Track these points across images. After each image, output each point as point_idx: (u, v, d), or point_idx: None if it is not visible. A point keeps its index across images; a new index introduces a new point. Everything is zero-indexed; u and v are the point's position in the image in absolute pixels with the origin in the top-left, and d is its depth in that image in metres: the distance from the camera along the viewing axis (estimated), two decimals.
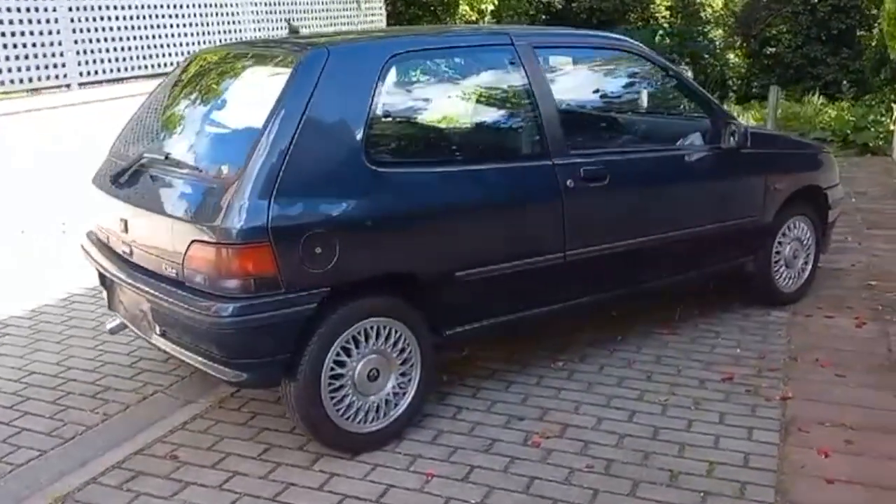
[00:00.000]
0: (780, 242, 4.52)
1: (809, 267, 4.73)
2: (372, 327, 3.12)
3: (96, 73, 7.29)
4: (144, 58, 7.79)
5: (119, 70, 7.52)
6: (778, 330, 4.33)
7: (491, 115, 3.77)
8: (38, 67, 6.70)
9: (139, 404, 3.62)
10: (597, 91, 4.27)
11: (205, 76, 3.70)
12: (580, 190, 3.55)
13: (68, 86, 7.03)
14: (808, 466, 3.01)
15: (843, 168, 8.02)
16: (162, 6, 7.96)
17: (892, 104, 10.86)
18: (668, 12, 20.50)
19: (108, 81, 7.42)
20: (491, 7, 15.86)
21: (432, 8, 14.96)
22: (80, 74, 7.12)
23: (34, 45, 6.66)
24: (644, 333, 4.28)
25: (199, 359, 3.04)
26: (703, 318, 4.48)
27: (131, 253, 3.36)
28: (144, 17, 7.76)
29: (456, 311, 3.38)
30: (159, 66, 7.85)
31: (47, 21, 6.77)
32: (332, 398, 3.06)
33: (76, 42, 7.07)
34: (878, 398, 3.54)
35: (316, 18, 10.19)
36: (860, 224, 6.43)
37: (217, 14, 8.65)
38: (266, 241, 2.82)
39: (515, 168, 3.53)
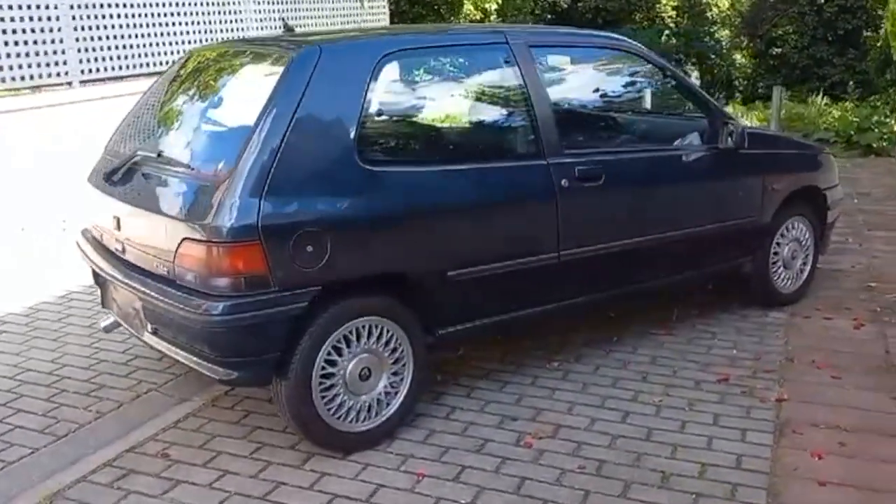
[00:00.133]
0: (778, 243, 4.50)
1: (808, 268, 4.71)
2: (363, 326, 3.11)
3: (98, 70, 7.30)
4: (146, 55, 7.80)
5: (121, 68, 7.53)
6: (775, 331, 4.31)
7: (485, 114, 3.75)
8: (39, 65, 6.71)
9: (133, 402, 3.62)
10: (593, 90, 4.25)
11: (199, 74, 3.69)
12: (575, 190, 3.54)
13: (70, 83, 7.05)
14: (801, 468, 2.99)
15: (847, 169, 8.04)
16: (164, 4, 7.97)
17: None
18: (674, 12, 20.48)
19: (110, 79, 7.43)
20: (495, 6, 15.77)
21: (436, 7, 14.91)
22: (82, 72, 7.14)
23: (36, 42, 6.67)
24: (640, 334, 4.26)
25: (191, 357, 3.03)
26: (701, 319, 4.47)
27: (124, 251, 3.36)
28: (146, 15, 7.77)
29: (449, 311, 3.37)
30: (161, 63, 7.82)
31: (49, 18, 6.78)
32: (324, 397, 3.05)
33: (78, 39, 7.08)
34: (873, 400, 3.52)
35: (318, 17, 10.18)
36: (861, 225, 6.40)
37: (219, 12, 8.65)
38: (256, 239, 2.82)
39: (510, 167, 3.51)
